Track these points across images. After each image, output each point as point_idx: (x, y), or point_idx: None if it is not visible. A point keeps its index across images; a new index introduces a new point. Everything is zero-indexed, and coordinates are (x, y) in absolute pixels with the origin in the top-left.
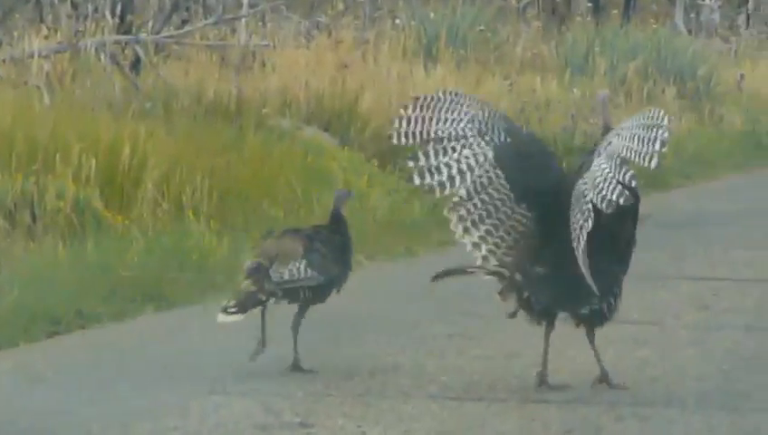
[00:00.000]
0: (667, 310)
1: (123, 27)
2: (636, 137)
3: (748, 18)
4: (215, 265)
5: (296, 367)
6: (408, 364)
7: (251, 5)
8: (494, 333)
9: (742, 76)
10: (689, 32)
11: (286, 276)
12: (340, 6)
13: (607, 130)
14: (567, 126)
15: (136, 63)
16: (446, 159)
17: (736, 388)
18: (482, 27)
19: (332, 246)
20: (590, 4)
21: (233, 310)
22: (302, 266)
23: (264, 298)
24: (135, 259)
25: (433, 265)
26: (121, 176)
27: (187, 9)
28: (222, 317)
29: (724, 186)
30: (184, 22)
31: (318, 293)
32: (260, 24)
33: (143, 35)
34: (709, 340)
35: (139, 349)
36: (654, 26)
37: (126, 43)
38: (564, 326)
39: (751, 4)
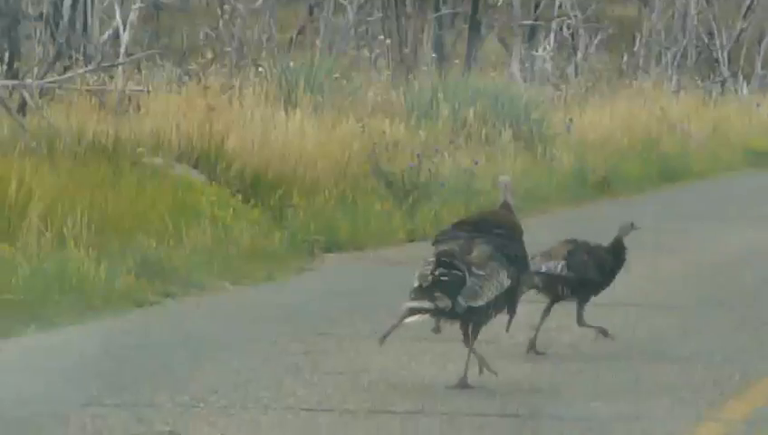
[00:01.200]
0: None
1: (11, 73)
2: None
3: (576, 68)
4: (92, 289)
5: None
6: (267, 379)
7: (127, 54)
8: (345, 352)
9: (570, 120)
10: (524, 80)
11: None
12: (209, 55)
13: (506, 205)
14: (413, 164)
15: (23, 106)
16: None
17: (563, 397)
18: (337, 75)
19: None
20: (434, 55)
21: None
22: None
23: None
24: (20, 283)
25: (291, 289)
26: (8, 208)
27: (70, 57)
28: None
29: (556, 219)
30: (66, 68)
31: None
32: (135, 71)
33: (29, 81)
34: (537, 357)
35: (22, 365)
36: (492, 75)
37: (13, 88)
38: (401, 344)
39: (579, 55)
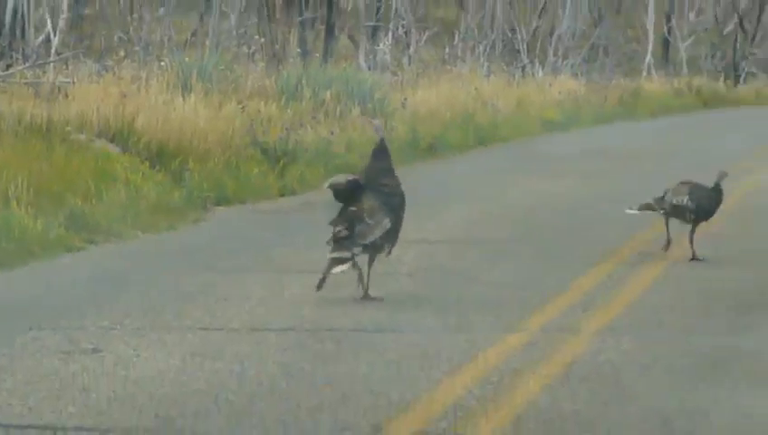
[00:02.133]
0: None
1: None
2: None
3: (409, 58)
4: (31, 239)
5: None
6: (170, 305)
7: (57, 54)
8: (231, 282)
9: (405, 99)
10: (369, 68)
11: None
12: (122, 54)
13: (382, 142)
14: (282, 136)
15: None
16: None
17: (408, 314)
18: (222, 67)
19: None
20: (299, 51)
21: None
22: None
23: None
24: None
25: (189, 235)
26: None
27: (11, 57)
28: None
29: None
30: (9, 66)
31: None
32: (64, 67)
33: None
34: (385, 283)
35: None
36: (344, 65)
37: None
38: (273, 275)
39: (411, 49)
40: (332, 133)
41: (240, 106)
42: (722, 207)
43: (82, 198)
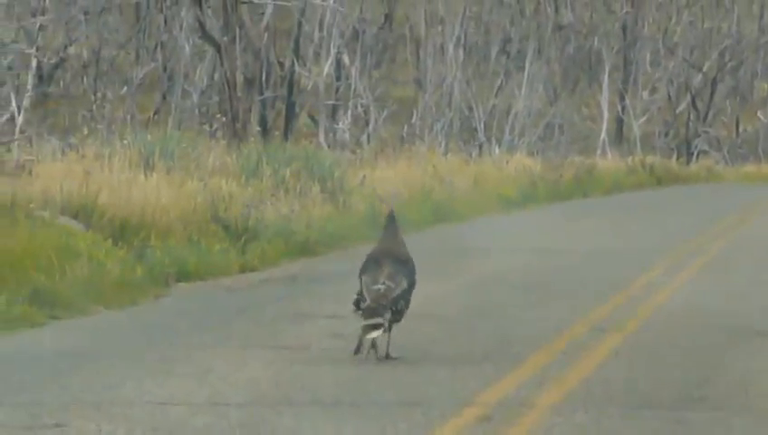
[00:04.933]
0: (312, 338)
1: None
2: None
3: (368, 136)
4: None
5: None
6: (131, 381)
7: (21, 132)
8: (192, 358)
9: (364, 177)
10: (328, 146)
11: None
12: (85, 131)
13: (392, 215)
14: (243, 213)
15: None
16: None
17: (366, 388)
18: (184, 145)
19: None
20: (259, 129)
21: None
22: None
23: None
24: None
25: (151, 311)
26: None
27: None
28: None
29: (356, 252)
30: None
31: None
32: (28, 144)
33: None
34: (345, 359)
35: None
36: (304, 143)
37: None
38: (235, 350)
39: (370, 127)
40: (293, 211)
41: (202, 183)
42: (676, 282)
43: (46, 274)
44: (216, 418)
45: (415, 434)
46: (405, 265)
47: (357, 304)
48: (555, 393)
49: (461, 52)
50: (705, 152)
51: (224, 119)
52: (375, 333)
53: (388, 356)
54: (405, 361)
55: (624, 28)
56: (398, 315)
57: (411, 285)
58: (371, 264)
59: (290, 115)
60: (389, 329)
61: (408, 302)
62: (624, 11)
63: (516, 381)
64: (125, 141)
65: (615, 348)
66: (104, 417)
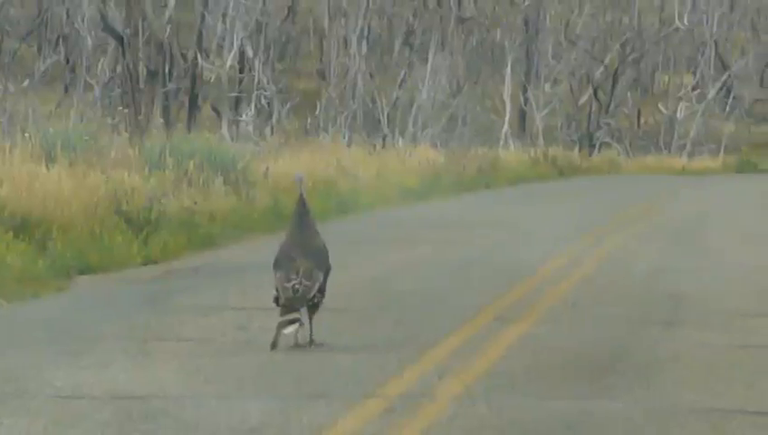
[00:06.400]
0: (215, 330)
1: None
2: None
3: (272, 128)
4: None
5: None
6: (32, 373)
7: None
8: (92, 350)
9: (267, 169)
10: (232, 138)
11: None
12: None
13: (302, 200)
14: (146, 205)
15: None
16: None
17: (270, 379)
18: (87, 137)
19: None
20: (162, 121)
21: None
22: None
23: None
24: None
25: (53, 303)
26: None
27: None
28: None
29: (259, 243)
30: None
31: None
32: None
33: None
34: (248, 351)
35: None
36: (207, 135)
37: None
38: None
39: (274, 119)
40: (195, 203)
41: (104, 176)
42: (579, 272)
43: None
44: (117, 412)
45: (318, 425)
46: (318, 256)
47: (276, 300)
48: (457, 384)
49: (364, 44)
50: (607, 144)
51: (126, 111)
52: (291, 328)
53: (312, 342)
54: (309, 352)
55: (526, 21)
56: (315, 306)
57: (326, 273)
58: (284, 259)
59: (193, 107)
60: (310, 320)
61: (324, 291)
62: (526, 3)
63: (419, 372)
64: (26, 134)
65: (519, 337)
66: (5, 410)
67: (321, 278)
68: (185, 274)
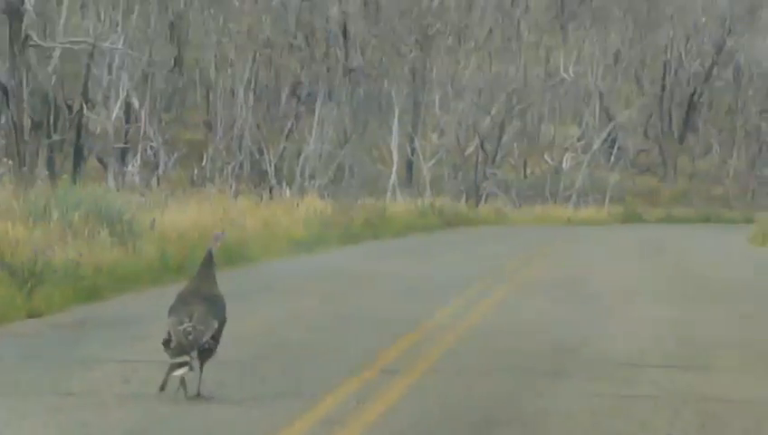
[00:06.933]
0: (101, 383)
1: None
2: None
3: (158, 179)
4: None
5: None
6: None
7: None
8: None
9: (154, 220)
10: (118, 189)
11: None
12: None
13: (210, 255)
14: (30, 256)
15: None
16: None
17: (156, 434)
18: None
19: None
20: (47, 172)
21: None
22: None
23: None
24: None
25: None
26: None
27: None
28: None
29: (145, 296)
30: None
31: None
32: None
33: None
34: (134, 404)
35: None
36: (93, 186)
37: None
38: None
39: (160, 170)
40: (81, 255)
41: None
42: (465, 324)
43: None
44: None
45: None
46: (214, 304)
47: (166, 343)
48: None
49: (251, 95)
50: (494, 194)
51: (10, 162)
52: (181, 371)
53: (199, 395)
54: (196, 404)
55: (413, 71)
56: (207, 353)
57: (222, 323)
58: (179, 304)
59: (78, 158)
60: (201, 368)
61: (218, 340)
62: (413, 54)
63: (309, 423)
64: None
65: (407, 388)
66: None
67: (216, 326)
68: (70, 327)
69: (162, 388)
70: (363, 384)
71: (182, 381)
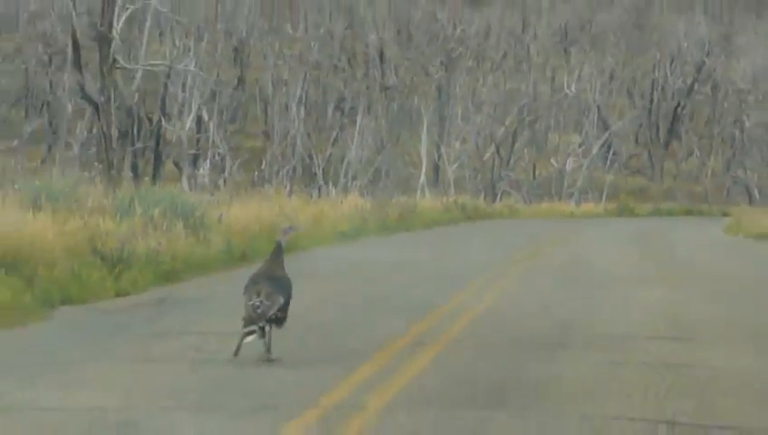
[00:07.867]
0: (177, 352)
1: None
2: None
3: (225, 181)
4: None
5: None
6: (18, 392)
7: None
8: (71, 370)
9: (221, 215)
10: (191, 189)
11: None
12: None
13: (279, 244)
14: (118, 245)
15: None
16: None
17: (224, 394)
18: (67, 189)
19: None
20: (131, 175)
21: None
22: None
23: None
24: None
25: (39, 330)
26: None
27: None
28: None
29: (217, 279)
30: None
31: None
32: None
33: None
34: (206, 369)
35: None
36: (170, 187)
37: None
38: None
39: (226, 173)
40: (160, 244)
41: (82, 221)
42: (482, 305)
43: None
44: (93, 420)
45: (263, 434)
46: (280, 283)
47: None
48: (382, 398)
49: (302, 109)
50: (508, 193)
51: (101, 166)
52: (250, 338)
53: (269, 354)
54: (258, 370)
55: (439, 89)
56: (277, 322)
57: (287, 298)
58: (251, 284)
59: (157, 163)
60: (269, 334)
61: (286, 312)
62: (438, 74)
63: (350, 386)
64: (16, 186)
65: (433, 358)
66: None
67: (282, 301)
68: (151, 304)
69: (236, 353)
70: (397, 353)
71: (267, 347)
